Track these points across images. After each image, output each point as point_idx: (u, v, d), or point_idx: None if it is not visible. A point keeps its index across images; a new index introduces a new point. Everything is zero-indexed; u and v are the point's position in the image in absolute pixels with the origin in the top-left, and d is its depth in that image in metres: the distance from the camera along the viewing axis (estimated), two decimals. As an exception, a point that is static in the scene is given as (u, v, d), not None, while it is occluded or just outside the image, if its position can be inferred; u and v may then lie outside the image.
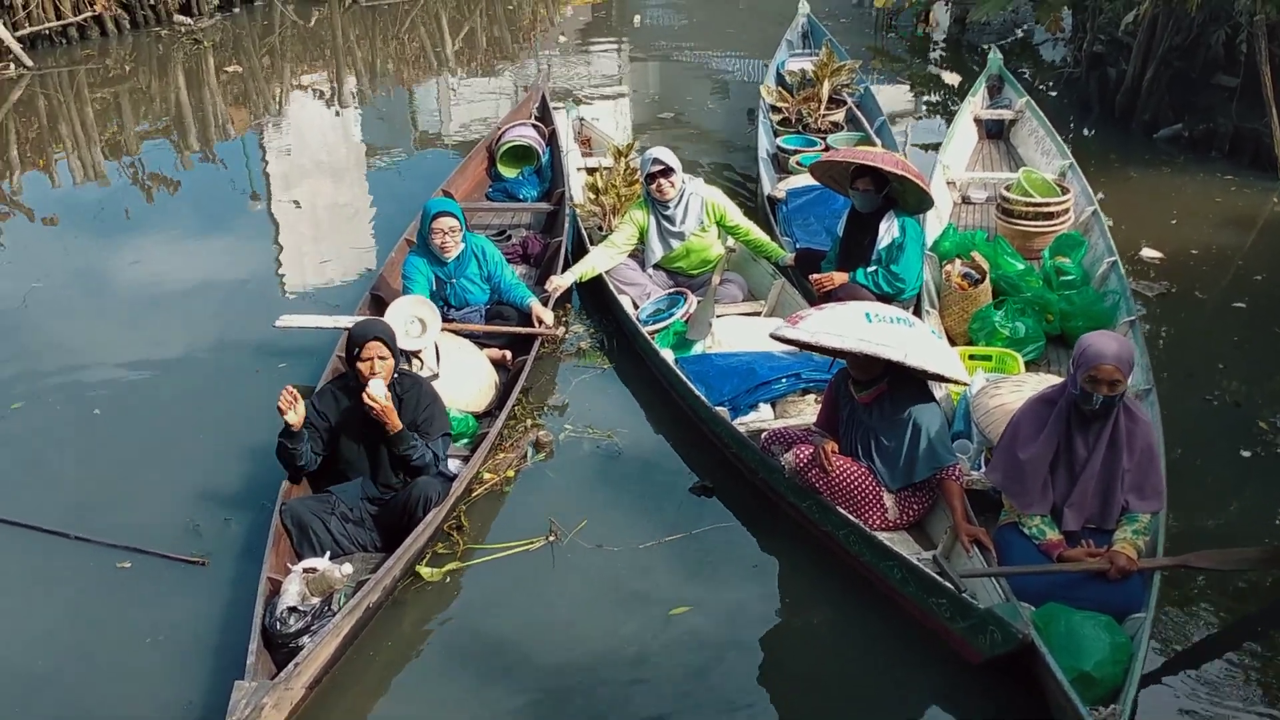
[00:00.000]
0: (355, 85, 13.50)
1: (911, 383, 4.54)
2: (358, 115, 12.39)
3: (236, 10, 15.77)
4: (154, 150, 10.89)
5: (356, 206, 9.34)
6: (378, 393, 4.49)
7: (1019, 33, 14.37)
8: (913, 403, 4.49)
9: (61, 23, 13.79)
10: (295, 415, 4.47)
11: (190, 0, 15.04)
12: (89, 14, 14.13)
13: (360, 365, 4.57)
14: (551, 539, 4.81)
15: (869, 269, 5.94)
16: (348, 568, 4.16)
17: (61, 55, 13.73)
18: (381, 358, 4.58)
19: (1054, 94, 11.84)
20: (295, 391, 4.50)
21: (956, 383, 4.62)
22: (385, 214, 8.74)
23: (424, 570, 4.57)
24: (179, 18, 14.86)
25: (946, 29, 14.79)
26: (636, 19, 16.52)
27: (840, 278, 5.95)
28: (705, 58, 14.21)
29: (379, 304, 6.26)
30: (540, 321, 6.07)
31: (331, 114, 12.37)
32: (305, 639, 3.92)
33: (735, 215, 6.63)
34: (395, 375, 4.68)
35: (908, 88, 12.80)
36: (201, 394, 6.13)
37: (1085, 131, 10.74)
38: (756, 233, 6.68)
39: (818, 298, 5.93)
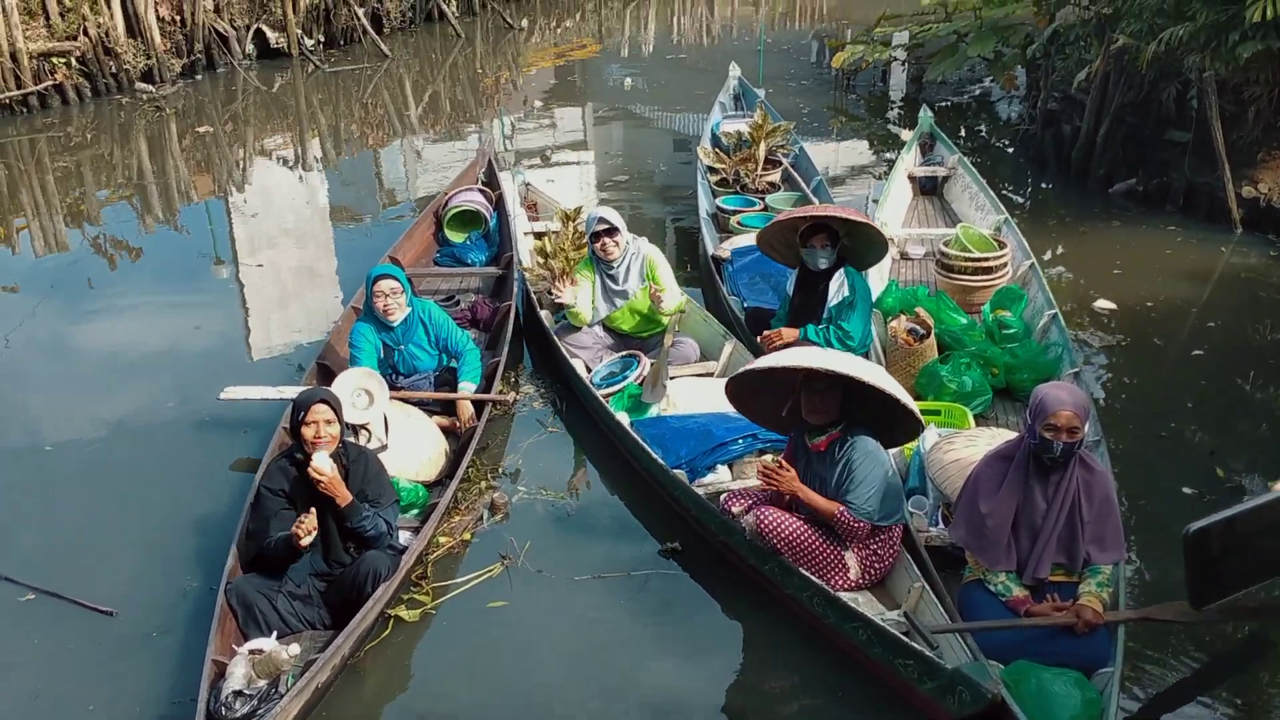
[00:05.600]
0: (320, 149, 13.49)
1: (864, 430, 4.49)
2: (323, 179, 12.34)
3: (199, 77, 15.75)
4: (116, 217, 10.78)
5: (323, 271, 9.26)
6: (323, 465, 4.37)
7: (976, 89, 14.61)
8: (864, 446, 4.43)
9: (21, 91, 13.71)
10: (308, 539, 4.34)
11: (152, 68, 15.00)
12: (50, 82, 14.06)
13: (305, 430, 4.45)
14: (506, 562, 4.95)
15: (819, 326, 5.92)
16: (295, 648, 4.04)
17: (22, 124, 13.64)
18: (328, 421, 4.47)
19: (1010, 150, 11.99)
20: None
21: (910, 423, 4.49)
22: (351, 278, 8.63)
23: (402, 612, 4.64)
24: (141, 85, 14.80)
25: (904, 87, 15.01)
26: (604, 82, 16.65)
27: (790, 334, 5.94)
28: (669, 119, 14.31)
29: (326, 373, 6.14)
30: (463, 415, 5.92)
31: (296, 178, 12.32)
32: (252, 724, 3.78)
33: (663, 273, 6.52)
34: (341, 445, 4.56)
35: (866, 144, 12.95)
36: (155, 461, 6.03)
37: (1042, 186, 10.87)
38: (668, 286, 6.49)
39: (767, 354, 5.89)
